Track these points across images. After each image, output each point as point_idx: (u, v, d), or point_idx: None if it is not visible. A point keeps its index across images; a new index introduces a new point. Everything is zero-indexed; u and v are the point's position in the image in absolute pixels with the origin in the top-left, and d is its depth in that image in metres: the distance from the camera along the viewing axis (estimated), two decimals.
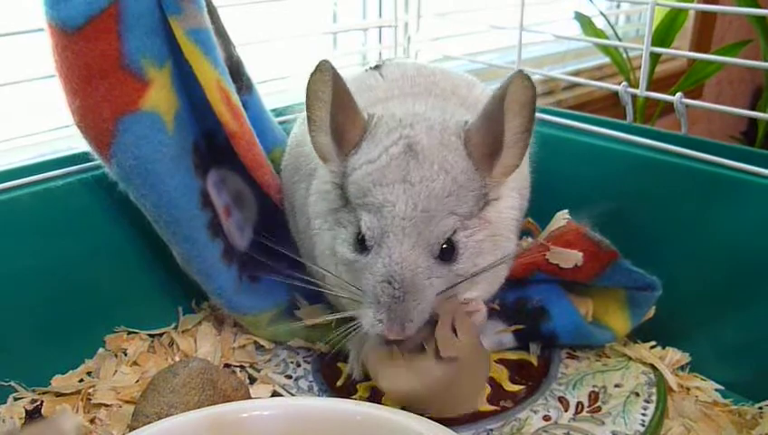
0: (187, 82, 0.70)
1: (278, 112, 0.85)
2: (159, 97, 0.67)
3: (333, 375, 0.73)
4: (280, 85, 0.94)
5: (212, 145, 0.75)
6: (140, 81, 0.66)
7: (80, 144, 0.69)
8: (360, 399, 0.69)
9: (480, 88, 0.72)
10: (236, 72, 0.76)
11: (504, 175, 0.59)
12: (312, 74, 0.56)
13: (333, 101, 0.56)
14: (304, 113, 0.60)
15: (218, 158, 0.76)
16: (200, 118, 0.73)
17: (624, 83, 0.82)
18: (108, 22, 0.63)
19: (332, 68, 0.55)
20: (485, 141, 0.57)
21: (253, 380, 0.73)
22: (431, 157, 0.55)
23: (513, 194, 0.63)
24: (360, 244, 0.56)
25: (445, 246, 0.55)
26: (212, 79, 0.69)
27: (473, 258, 0.57)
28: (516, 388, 0.70)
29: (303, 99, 0.81)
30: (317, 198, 0.63)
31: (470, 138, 0.57)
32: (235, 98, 0.71)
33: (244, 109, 0.73)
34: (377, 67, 0.72)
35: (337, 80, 0.55)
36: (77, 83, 0.64)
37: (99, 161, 0.69)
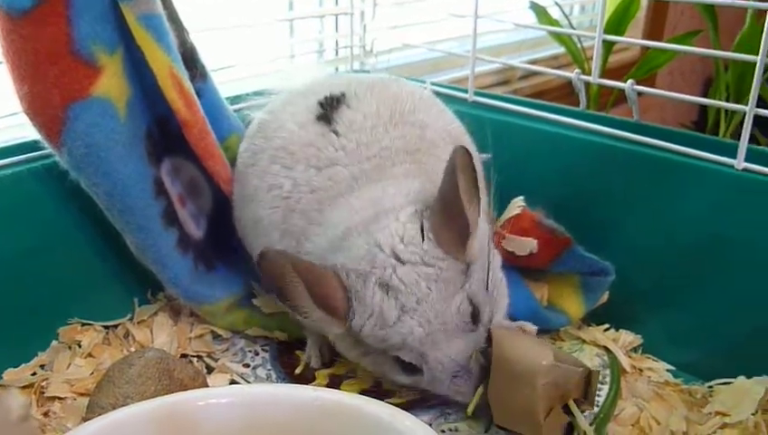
0: (139, 68, 0.69)
1: (233, 100, 0.84)
2: (111, 84, 0.66)
3: (291, 363, 0.73)
4: (235, 73, 0.93)
5: (165, 132, 0.74)
6: (91, 67, 0.65)
7: (29, 132, 0.67)
8: (319, 386, 0.69)
9: (432, 123, 0.69)
10: (190, 59, 0.74)
11: (477, 244, 0.59)
12: (264, 264, 0.54)
13: (306, 282, 0.55)
14: (249, 141, 0.68)
15: (172, 145, 0.74)
16: (153, 105, 0.72)
17: (577, 71, 0.84)
18: (57, 6, 0.62)
19: (283, 254, 0.55)
20: (452, 231, 0.56)
21: (210, 369, 0.72)
22: (413, 281, 0.56)
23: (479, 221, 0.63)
24: (410, 368, 0.58)
25: (470, 316, 0.57)
26: (164, 66, 0.68)
27: (486, 298, 0.59)
28: None
29: (259, 87, 0.82)
30: (340, 343, 0.63)
31: (437, 234, 0.57)
32: (188, 85, 0.70)
33: (198, 96, 0.72)
34: (327, 119, 0.67)
35: (296, 263, 0.55)
36: (25, 69, 0.62)
37: (49, 150, 0.68)
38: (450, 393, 0.58)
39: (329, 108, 0.68)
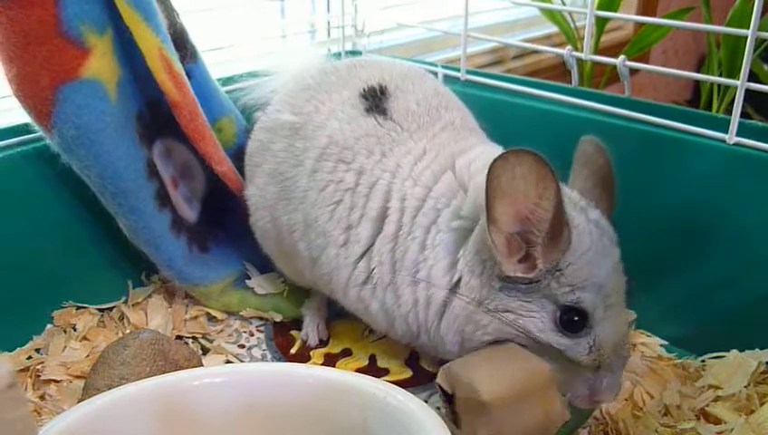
0: (128, 49, 0.69)
1: (225, 81, 0.84)
2: (101, 65, 0.66)
3: (287, 344, 0.74)
4: (227, 54, 0.93)
5: (157, 114, 0.74)
6: (80, 48, 0.64)
7: (20, 116, 0.67)
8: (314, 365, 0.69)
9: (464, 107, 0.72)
10: (180, 40, 0.74)
11: None
12: (507, 165, 0.51)
13: (555, 203, 0.51)
14: (284, 141, 0.65)
15: (164, 128, 0.74)
16: (143, 86, 0.71)
17: (569, 47, 0.83)
18: None
19: (540, 158, 0.51)
20: (603, 204, 0.60)
21: (206, 350, 0.73)
22: (609, 230, 0.57)
23: None
24: (572, 325, 0.54)
25: None
26: (153, 46, 0.67)
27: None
28: None
29: (251, 69, 0.81)
30: (463, 308, 0.57)
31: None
32: (178, 66, 0.70)
33: (188, 78, 0.72)
34: (379, 109, 0.65)
35: (554, 172, 0.51)
36: (13, 51, 0.62)
37: (40, 133, 0.67)
38: (603, 369, 0.54)
39: (376, 99, 0.66)
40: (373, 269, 0.60)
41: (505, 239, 0.53)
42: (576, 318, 0.54)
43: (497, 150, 0.61)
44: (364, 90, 0.67)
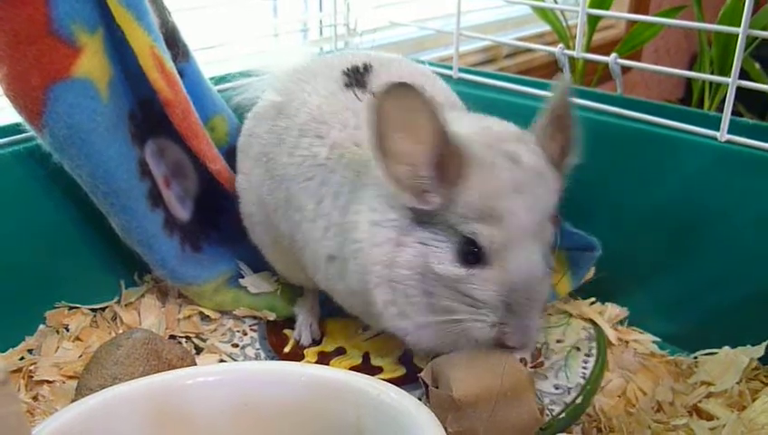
0: (120, 48, 0.68)
1: (218, 81, 0.84)
2: (92, 64, 0.66)
3: (280, 343, 0.74)
4: (219, 53, 0.93)
5: (149, 113, 0.74)
6: (71, 47, 0.64)
7: (11, 115, 0.67)
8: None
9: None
10: (172, 39, 0.74)
11: (567, 171, 0.59)
12: (389, 97, 0.51)
13: (434, 136, 0.52)
14: (269, 123, 0.64)
15: (156, 127, 0.74)
16: (135, 85, 0.71)
17: (561, 45, 0.84)
18: None
19: (420, 91, 0.51)
20: (557, 145, 0.57)
21: (199, 350, 0.72)
22: (532, 165, 0.54)
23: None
24: (471, 257, 0.53)
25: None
26: (145, 45, 0.67)
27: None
28: None
29: (243, 68, 0.81)
30: (376, 231, 0.56)
31: (544, 143, 0.57)
32: (170, 65, 0.70)
33: (180, 77, 0.72)
34: (359, 83, 0.66)
35: (434, 108, 0.51)
36: (3, 50, 0.62)
37: (31, 132, 0.67)
38: (491, 312, 0.52)
39: (357, 75, 0.67)
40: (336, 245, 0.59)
41: (398, 172, 0.53)
42: (475, 250, 0.53)
43: (476, 119, 0.61)
44: (348, 68, 0.68)
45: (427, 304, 0.55)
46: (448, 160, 0.52)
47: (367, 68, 0.67)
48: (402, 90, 0.51)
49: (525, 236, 0.53)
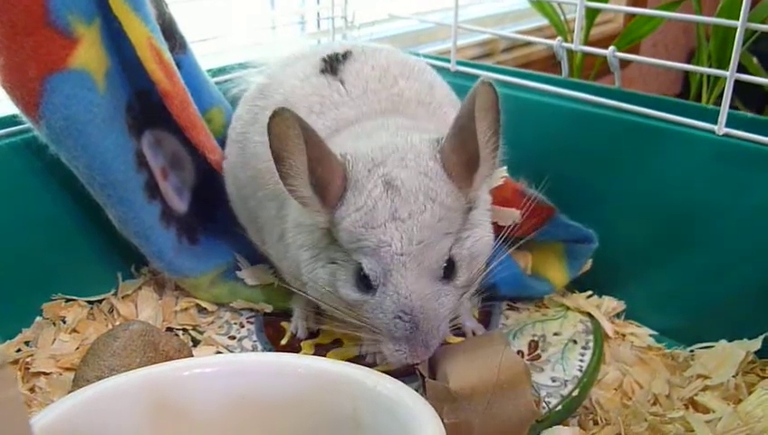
0: (117, 40, 0.68)
1: (215, 73, 0.84)
2: (89, 55, 0.65)
3: (277, 335, 0.74)
4: (215, 45, 0.93)
5: (146, 105, 0.73)
6: (68, 38, 0.64)
7: (7, 107, 0.67)
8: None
9: (438, 86, 0.70)
10: (169, 30, 0.74)
11: (482, 184, 0.58)
12: (274, 122, 0.52)
13: (309, 154, 0.53)
14: (249, 104, 0.63)
15: (153, 118, 0.74)
16: (132, 77, 0.71)
17: (559, 38, 0.83)
18: None
19: (297, 117, 0.52)
20: (461, 158, 0.55)
21: (196, 342, 0.72)
22: (414, 189, 0.54)
23: (484, 189, 0.63)
24: (364, 283, 0.54)
25: (445, 265, 0.54)
26: (142, 36, 0.67)
27: (469, 267, 0.57)
28: (458, 339, 0.71)
29: (241, 60, 0.81)
30: (299, 230, 0.60)
31: (446, 157, 0.55)
32: (168, 56, 0.70)
33: (178, 68, 0.72)
34: (332, 70, 0.67)
35: (306, 130, 0.52)
36: (0, 41, 0.62)
37: (28, 124, 0.67)
38: (385, 336, 0.54)
39: (334, 62, 0.67)
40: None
41: (293, 192, 0.55)
42: (365, 276, 0.54)
43: (388, 134, 0.59)
44: (328, 55, 0.68)
45: (343, 314, 0.57)
46: (328, 183, 0.54)
47: (345, 56, 0.67)
48: (279, 114, 0.52)
49: (405, 262, 0.53)
